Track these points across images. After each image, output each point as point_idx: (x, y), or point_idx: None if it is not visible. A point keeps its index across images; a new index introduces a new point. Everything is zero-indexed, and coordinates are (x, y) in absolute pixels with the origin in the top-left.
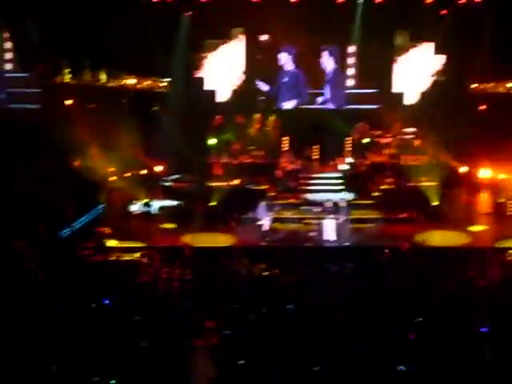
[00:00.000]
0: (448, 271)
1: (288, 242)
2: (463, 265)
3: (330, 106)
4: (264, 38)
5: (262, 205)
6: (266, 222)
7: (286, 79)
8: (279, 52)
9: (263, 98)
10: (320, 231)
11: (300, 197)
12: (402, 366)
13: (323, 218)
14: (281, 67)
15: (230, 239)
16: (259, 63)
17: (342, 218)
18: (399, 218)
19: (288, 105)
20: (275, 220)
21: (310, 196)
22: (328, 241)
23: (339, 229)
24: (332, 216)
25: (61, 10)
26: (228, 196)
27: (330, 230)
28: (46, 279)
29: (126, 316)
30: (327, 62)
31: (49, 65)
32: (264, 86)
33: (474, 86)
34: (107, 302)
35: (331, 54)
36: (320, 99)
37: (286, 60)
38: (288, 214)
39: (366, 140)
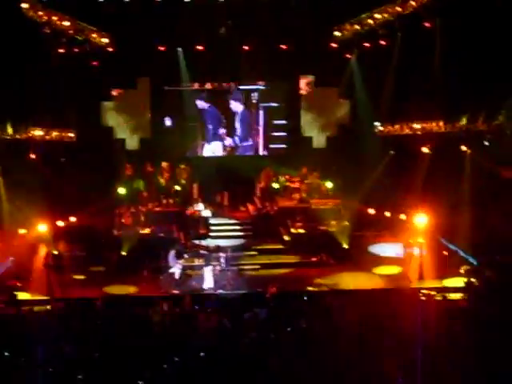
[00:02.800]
0: (357, 313)
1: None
2: (372, 306)
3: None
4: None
5: (172, 253)
6: (176, 270)
7: (207, 119)
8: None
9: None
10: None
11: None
12: None
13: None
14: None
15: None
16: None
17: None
18: (309, 262)
19: (212, 147)
20: (185, 268)
21: (216, 242)
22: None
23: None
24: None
25: None
26: (138, 244)
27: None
28: None
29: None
30: (236, 105)
31: None
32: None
33: (379, 128)
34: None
35: (237, 98)
36: (229, 142)
37: (201, 104)
38: (198, 261)
39: (276, 185)
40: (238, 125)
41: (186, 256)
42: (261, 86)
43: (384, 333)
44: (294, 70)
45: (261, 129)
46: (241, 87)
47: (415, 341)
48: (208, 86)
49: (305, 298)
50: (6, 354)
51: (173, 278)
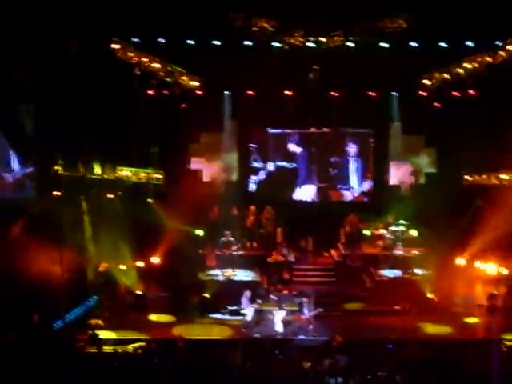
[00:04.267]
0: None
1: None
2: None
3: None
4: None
5: (246, 294)
6: (249, 312)
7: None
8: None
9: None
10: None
11: (291, 289)
12: None
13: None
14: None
15: (223, 331)
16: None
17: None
18: (392, 310)
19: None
20: (260, 311)
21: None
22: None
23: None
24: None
25: (56, 102)
26: (221, 287)
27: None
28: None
29: None
30: (352, 148)
31: (44, 156)
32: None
33: (466, 178)
34: None
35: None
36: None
37: (293, 148)
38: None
39: (367, 232)
40: (350, 170)
41: (261, 299)
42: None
43: None
44: (381, 117)
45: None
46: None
47: None
48: (313, 129)
49: (389, 347)
50: None
51: (245, 320)
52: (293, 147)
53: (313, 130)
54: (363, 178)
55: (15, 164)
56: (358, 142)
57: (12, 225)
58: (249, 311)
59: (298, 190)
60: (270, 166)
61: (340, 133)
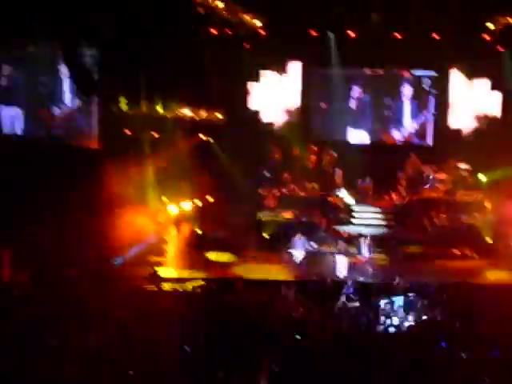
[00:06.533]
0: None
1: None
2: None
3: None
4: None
5: (299, 237)
6: (299, 253)
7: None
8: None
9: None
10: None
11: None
12: None
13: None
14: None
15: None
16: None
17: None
18: (451, 254)
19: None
20: (315, 252)
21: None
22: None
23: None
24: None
25: (120, 37)
26: (280, 228)
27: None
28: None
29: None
30: (407, 92)
31: (107, 94)
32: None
33: None
34: None
35: (409, 83)
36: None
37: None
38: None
39: (428, 174)
40: (403, 112)
41: (319, 241)
42: (433, 73)
43: None
44: (445, 60)
45: (425, 117)
46: (415, 73)
47: None
48: (367, 71)
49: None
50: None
51: (295, 260)
52: (353, 89)
53: (372, 71)
54: (419, 120)
55: (68, 99)
56: (415, 85)
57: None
58: (300, 253)
59: (354, 131)
60: (330, 108)
61: (399, 75)
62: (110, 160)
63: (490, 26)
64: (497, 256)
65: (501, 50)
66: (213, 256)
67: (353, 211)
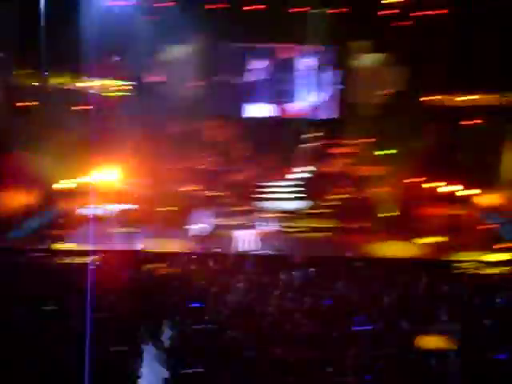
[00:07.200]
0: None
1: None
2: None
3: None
4: None
5: (204, 211)
6: (205, 229)
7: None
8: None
9: None
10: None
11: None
12: None
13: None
14: None
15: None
16: None
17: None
18: (352, 228)
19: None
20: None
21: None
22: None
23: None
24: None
25: None
26: (184, 201)
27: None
28: None
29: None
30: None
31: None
32: None
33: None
34: None
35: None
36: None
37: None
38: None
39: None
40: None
41: (223, 215)
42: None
43: None
44: (347, 35)
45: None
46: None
47: None
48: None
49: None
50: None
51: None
52: (253, 62)
53: (270, 45)
54: (322, 94)
55: None
56: (318, 57)
57: None
58: (204, 226)
59: (256, 106)
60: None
61: (298, 48)
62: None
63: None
64: (398, 228)
65: (402, 24)
66: (115, 230)
67: (256, 186)
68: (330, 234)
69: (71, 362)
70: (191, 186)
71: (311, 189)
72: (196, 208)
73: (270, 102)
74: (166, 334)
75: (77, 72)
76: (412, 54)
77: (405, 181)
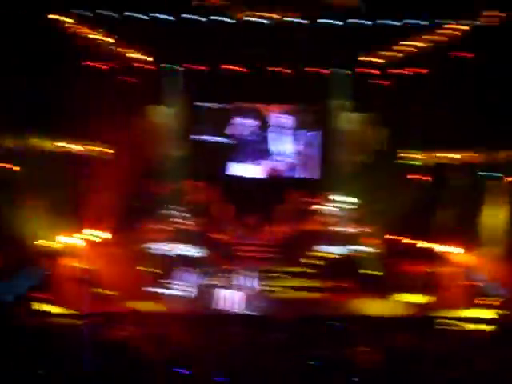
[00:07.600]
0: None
1: None
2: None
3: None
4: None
5: (189, 271)
6: (190, 289)
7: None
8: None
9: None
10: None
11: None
12: None
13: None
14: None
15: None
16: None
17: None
18: (337, 287)
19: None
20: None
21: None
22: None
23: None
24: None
25: None
26: (165, 261)
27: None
28: None
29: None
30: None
31: None
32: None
33: (410, 156)
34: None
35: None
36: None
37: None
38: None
39: (309, 207)
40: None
41: (205, 275)
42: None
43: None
44: (325, 94)
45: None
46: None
47: None
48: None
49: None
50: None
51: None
52: (238, 122)
53: (252, 105)
54: (302, 153)
55: None
56: (296, 117)
57: None
58: (187, 287)
59: (236, 165)
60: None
61: (280, 108)
62: None
63: (373, 59)
64: (381, 287)
65: (383, 83)
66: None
67: (238, 245)
68: (313, 293)
69: None
70: (174, 245)
71: (293, 247)
72: (178, 268)
73: (252, 161)
74: None
75: (57, 134)
76: (391, 114)
77: (386, 237)
